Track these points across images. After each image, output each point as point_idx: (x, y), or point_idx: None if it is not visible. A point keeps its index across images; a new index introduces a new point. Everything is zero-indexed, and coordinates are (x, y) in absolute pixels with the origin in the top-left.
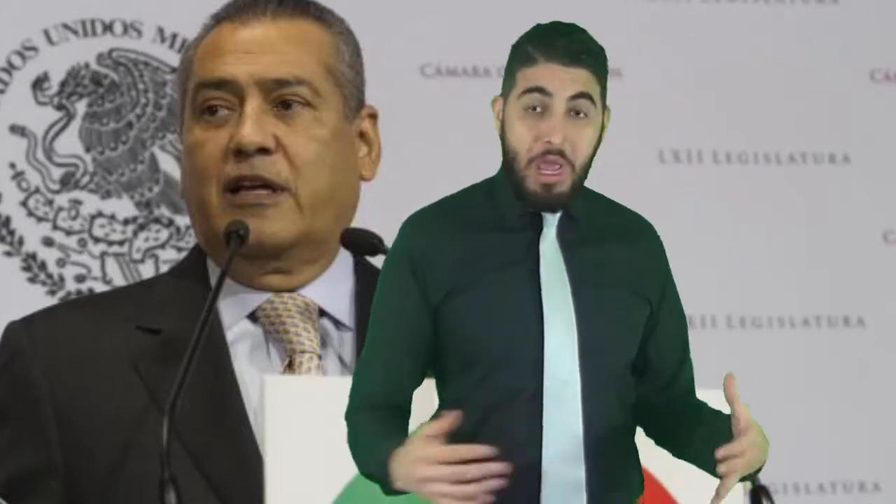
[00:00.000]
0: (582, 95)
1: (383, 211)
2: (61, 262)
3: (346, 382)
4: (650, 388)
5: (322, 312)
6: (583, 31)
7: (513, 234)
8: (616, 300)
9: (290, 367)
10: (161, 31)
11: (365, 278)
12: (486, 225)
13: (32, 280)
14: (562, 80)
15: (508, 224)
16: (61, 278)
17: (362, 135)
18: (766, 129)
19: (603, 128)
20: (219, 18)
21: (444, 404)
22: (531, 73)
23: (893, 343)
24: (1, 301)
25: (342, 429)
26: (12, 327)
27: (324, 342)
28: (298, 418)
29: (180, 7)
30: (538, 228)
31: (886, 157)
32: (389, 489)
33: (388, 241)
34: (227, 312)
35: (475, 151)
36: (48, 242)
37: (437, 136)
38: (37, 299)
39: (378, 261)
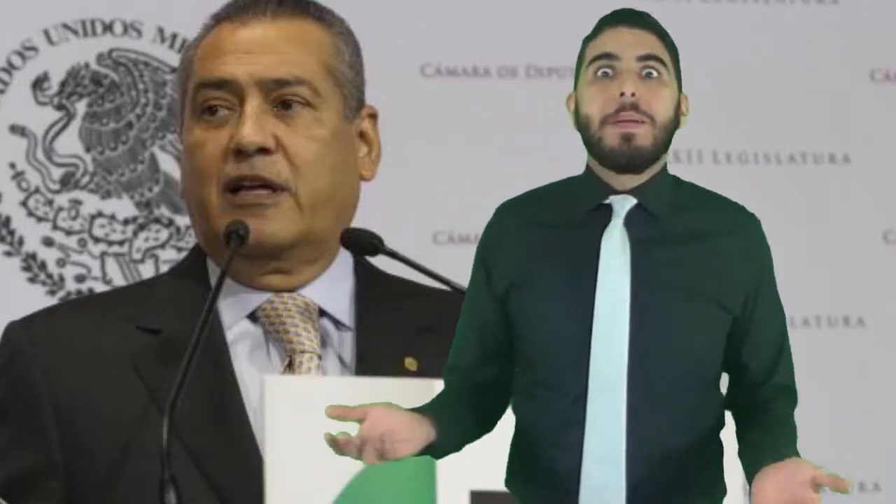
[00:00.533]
0: (651, 57)
1: (383, 211)
2: (61, 262)
3: (346, 382)
4: (741, 393)
5: (322, 312)
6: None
7: (582, 228)
8: (683, 308)
9: (290, 367)
10: (161, 31)
11: (365, 278)
12: (558, 218)
13: (32, 280)
14: (628, 41)
15: (579, 218)
16: (61, 278)
17: (362, 135)
18: (766, 129)
19: (682, 112)
20: (219, 18)
21: (514, 397)
22: (597, 42)
23: (893, 343)
24: (1, 301)
25: (342, 429)
26: (12, 327)
27: (324, 342)
28: (298, 418)
29: (180, 7)
30: (608, 222)
31: (886, 157)
32: None
33: (388, 241)
34: (227, 312)
35: (475, 151)
36: (48, 242)
37: (437, 136)
38: (37, 299)
39: (378, 261)
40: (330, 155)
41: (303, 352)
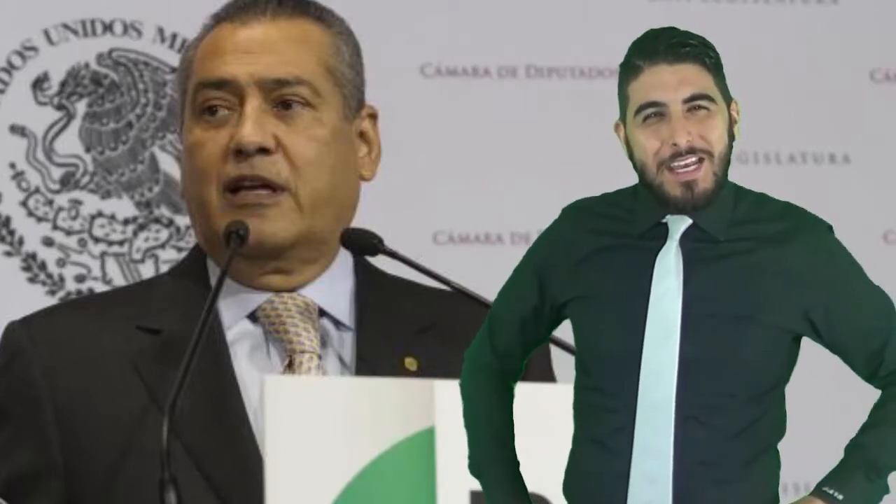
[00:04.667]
0: (697, 97)
1: (383, 211)
2: (61, 262)
3: (347, 382)
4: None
5: (322, 312)
6: (680, 29)
7: (640, 245)
8: (733, 325)
9: (290, 367)
10: (161, 31)
11: (365, 278)
12: (620, 230)
13: (32, 280)
14: (670, 83)
15: (638, 234)
16: (61, 278)
17: (362, 135)
18: (766, 129)
19: (733, 121)
20: (218, 18)
21: (574, 397)
22: (640, 86)
23: None
24: (1, 301)
25: (342, 429)
26: (12, 327)
27: (324, 342)
28: (298, 418)
29: (180, 7)
30: (665, 241)
31: (886, 157)
32: None
33: (388, 241)
34: (227, 312)
35: (475, 151)
36: (48, 242)
37: (437, 136)
38: (37, 299)
39: (378, 261)
40: (330, 155)
41: (303, 352)
